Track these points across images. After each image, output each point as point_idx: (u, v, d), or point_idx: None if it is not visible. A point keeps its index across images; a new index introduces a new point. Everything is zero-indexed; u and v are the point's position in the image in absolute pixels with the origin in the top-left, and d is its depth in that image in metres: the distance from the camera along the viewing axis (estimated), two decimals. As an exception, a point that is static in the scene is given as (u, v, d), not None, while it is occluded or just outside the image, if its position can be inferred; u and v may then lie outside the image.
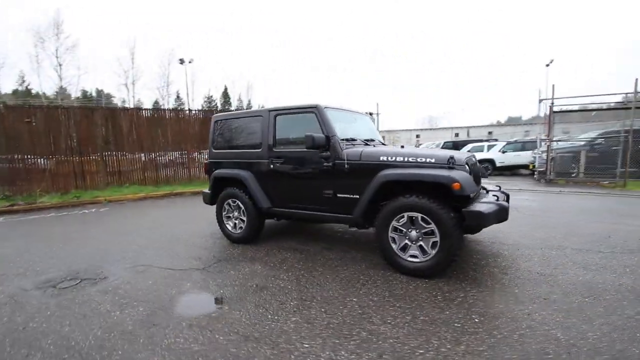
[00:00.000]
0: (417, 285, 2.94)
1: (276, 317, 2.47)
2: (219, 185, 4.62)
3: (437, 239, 2.95)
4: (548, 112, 10.85)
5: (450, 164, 3.08)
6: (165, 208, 7.68)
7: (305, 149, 3.96)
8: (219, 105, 52.83)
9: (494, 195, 3.49)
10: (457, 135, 42.37)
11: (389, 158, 3.35)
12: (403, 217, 3.11)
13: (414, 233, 3.10)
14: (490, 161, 14.60)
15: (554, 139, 10.86)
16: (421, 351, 2.01)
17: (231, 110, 11.53)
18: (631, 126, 9.38)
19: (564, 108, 11.17)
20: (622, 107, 10.28)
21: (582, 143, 11.13)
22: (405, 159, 3.27)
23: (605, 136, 10.91)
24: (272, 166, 4.07)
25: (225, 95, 53.03)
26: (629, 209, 6.13)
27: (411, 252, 3.13)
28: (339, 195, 3.63)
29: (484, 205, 3.02)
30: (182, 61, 35.10)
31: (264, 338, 2.20)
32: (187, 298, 2.90)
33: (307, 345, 2.11)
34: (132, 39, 73.99)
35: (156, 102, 44.68)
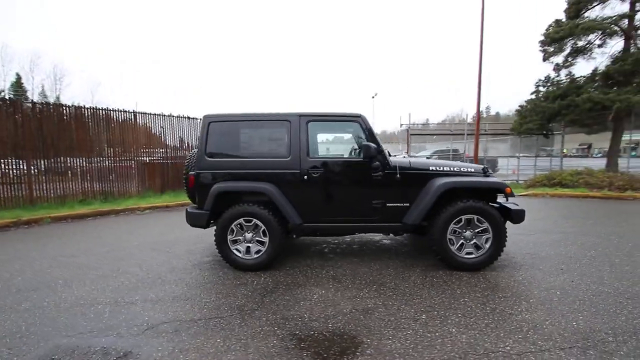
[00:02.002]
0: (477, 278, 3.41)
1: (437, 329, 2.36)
2: (220, 203, 3.68)
3: (490, 235, 3.51)
4: (406, 134, 13.97)
5: (485, 172, 3.74)
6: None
7: (351, 159, 3.82)
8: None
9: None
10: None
11: (437, 168, 3.71)
12: (460, 219, 3.52)
13: (468, 233, 3.56)
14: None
15: (411, 154, 14.01)
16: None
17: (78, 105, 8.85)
18: (451, 146, 13.31)
19: (414, 131, 14.63)
20: (448, 133, 14.48)
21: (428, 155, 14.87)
22: (451, 169, 3.72)
23: (438, 152, 14.96)
24: (306, 177, 3.65)
25: (19, 85, 38.67)
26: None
27: (467, 250, 3.57)
28: (388, 204, 3.68)
29: (517, 206, 3.78)
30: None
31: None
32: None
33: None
34: None
35: None
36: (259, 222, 3.61)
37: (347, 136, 3.81)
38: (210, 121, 3.78)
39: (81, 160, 8.94)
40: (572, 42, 12.66)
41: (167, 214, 7.85)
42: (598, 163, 14.35)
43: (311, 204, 3.70)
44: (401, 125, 14.44)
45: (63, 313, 2.77)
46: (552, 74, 13.78)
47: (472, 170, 3.76)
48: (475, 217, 3.50)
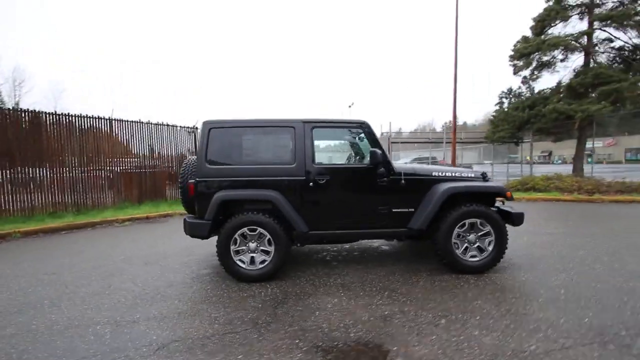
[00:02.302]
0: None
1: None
2: (222, 212, 3.54)
3: (493, 238, 3.61)
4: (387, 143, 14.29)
5: (485, 177, 3.87)
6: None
7: (357, 165, 3.81)
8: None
9: None
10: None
11: (440, 173, 3.78)
12: (464, 224, 3.60)
13: (472, 236, 3.63)
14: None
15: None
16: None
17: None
18: (430, 154, 13.76)
19: (395, 139, 15.00)
20: (427, 141, 14.97)
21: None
22: (453, 174, 3.80)
23: (417, 160, 15.39)
24: (312, 184, 3.59)
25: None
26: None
27: (471, 253, 3.64)
28: (393, 210, 3.69)
29: (512, 209, 3.91)
30: None
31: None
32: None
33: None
34: None
35: None
36: (264, 231, 3.50)
37: (352, 142, 3.81)
38: (211, 127, 3.65)
39: (50, 170, 8.35)
40: (538, 56, 13.59)
41: (149, 225, 7.47)
42: (559, 169, 15.31)
43: (317, 211, 3.64)
44: (382, 133, 14.77)
45: (57, 336, 2.52)
46: (514, 87, 14.77)
47: (472, 175, 3.87)
48: (479, 220, 3.59)
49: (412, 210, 3.70)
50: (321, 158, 3.77)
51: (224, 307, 2.99)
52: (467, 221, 3.58)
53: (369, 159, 3.66)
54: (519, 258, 4.19)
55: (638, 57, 11.93)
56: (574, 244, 4.77)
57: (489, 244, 3.63)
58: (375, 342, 2.36)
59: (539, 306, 2.82)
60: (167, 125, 10.95)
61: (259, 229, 3.50)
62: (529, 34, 14.29)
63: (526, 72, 14.73)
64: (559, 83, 13.63)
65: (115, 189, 9.60)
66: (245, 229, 3.50)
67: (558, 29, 13.09)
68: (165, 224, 7.67)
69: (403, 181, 3.66)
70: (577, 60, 13.54)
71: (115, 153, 9.73)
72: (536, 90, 14.36)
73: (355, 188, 3.69)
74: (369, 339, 2.41)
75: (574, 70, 13.32)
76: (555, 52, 13.05)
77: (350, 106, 39.81)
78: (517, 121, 12.86)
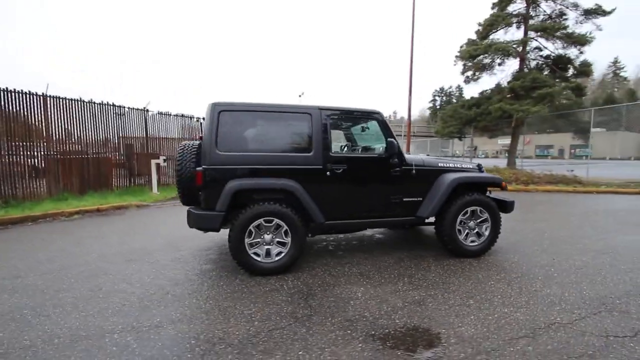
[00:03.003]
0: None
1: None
2: (236, 202, 3.29)
3: (490, 224, 3.95)
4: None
5: (480, 169, 4.19)
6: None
7: (372, 155, 3.83)
8: None
9: None
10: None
11: (445, 165, 3.99)
12: (467, 211, 3.87)
13: (472, 223, 3.93)
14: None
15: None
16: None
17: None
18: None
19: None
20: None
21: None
22: (455, 165, 4.04)
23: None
24: (328, 173, 3.52)
25: None
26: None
27: (471, 238, 3.94)
28: (404, 199, 3.81)
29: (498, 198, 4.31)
30: None
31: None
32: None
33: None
34: None
35: None
36: (280, 222, 3.35)
37: (365, 132, 3.81)
38: (221, 110, 3.34)
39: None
40: (480, 59, 14.99)
41: (103, 219, 6.62)
42: (489, 162, 17.25)
43: (333, 201, 3.59)
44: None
45: (68, 351, 2.13)
46: (445, 86, 16.26)
47: (470, 167, 4.17)
48: (479, 208, 3.89)
49: (421, 199, 3.86)
50: (337, 147, 3.70)
51: (252, 303, 2.81)
52: (469, 209, 3.86)
53: (383, 148, 3.72)
54: (498, 243, 4.64)
55: (560, 65, 13.91)
56: (538, 228, 5.45)
57: (486, 229, 3.96)
58: (423, 326, 2.45)
59: (542, 284, 3.18)
60: (113, 105, 9.71)
61: (276, 220, 3.34)
62: (473, 37, 15.69)
63: (469, 73, 16.19)
64: (498, 84, 15.26)
65: (52, 178, 8.29)
66: (261, 220, 3.31)
67: (498, 35, 14.57)
68: (122, 217, 6.87)
69: (414, 171, 3.79)
70: (512, 65, 15.28)
71: (52, 136, 8.36)
72: (477, 90, 15.94)
73: (370, 178, 3.72)
74: (415, 323, 2.48)
75: (512, 73, 15.01)
76: (495, 56, 14.52)
77: (300, 96, 39.60)
78: (464, 118, 14.12)
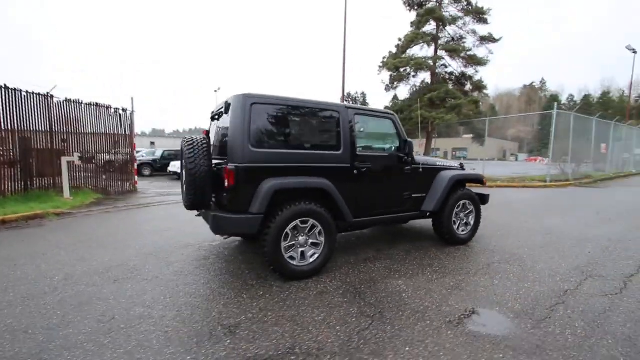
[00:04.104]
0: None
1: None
2: (274, 203, 3.04)
3: (474, 215, 4.55)
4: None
5: (462, 167, 4.78)
6: None
7: (392, 154, 3.99)
8: None
9: None
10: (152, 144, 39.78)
11: (441, 164, 4.43)
12: (459, 204, 4.38)
13: (462, 215, 4.46)
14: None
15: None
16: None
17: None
18: None
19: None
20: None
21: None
22: (446, 164, 4.53)
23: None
24: (356, 171, 3.55)
25: None
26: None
27: (461, 228, 4.47)
28: (413, 195, 4.10)
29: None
30: None
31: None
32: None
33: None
34: None
35: None
36: (316, 223, 3.23)
37: (382, 131, 3.95)
38: (254, 102, 3.04)
39: None
40: (401, 71, 16.80)
41: (17, 233, 5.17)
42: None
43: (359, 199, 3.63)
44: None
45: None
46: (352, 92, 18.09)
47: (457, 165, 4.73)
48: (467, 201, 4.45)
49: (424, 195, 4.21)
50: (363, 145, 3.74)
51: (314, 308, 2.67)
52: (462, 202, 4.39)
53: (395, 148, 3.93)
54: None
55: (462, 81, 16.65)
56: (496, 218, 6.39)
57: (472, 219, 4.56)
58: (480, 308, 2.71)
59: (532, 261, 3.83)
60: (2, 88, 7.58)
61: (311, 220, 3.21)
62: (391, 49, 17.47)
63: (387, 82, 17.97)
64: (413, 94, 17.32)
65: None
66: (297, 221, 3.13)
67: (415, 51, 16.58)
68: (45, 229, 5.48)
69: (421, 169, 4.11)
70: (423, 77, 17.55)
71: None
72: (390, 98, 17.86)
73: (389, 175, 3.88)
74: (472, 306, 2.73)
75: (420, 85, 17.23)
76: (413, 69, 16.49)
77: (216, 91, 37.42)
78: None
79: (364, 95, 70.91)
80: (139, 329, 2.33)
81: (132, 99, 10.86)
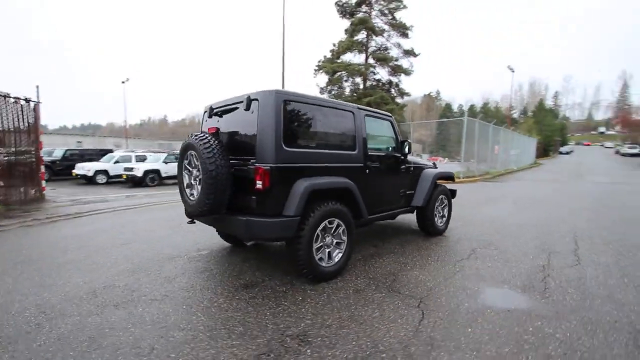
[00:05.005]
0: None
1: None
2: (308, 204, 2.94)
3: (448, 208, 5.11)
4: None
5: (435, 165, 5.32)
6: None
7: (393, 153, 4.19)
8: None
9: None
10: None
11: (423, 163, 4.85)
12: (439, 198, 4.87)
13: (439, 208, 4.97)
14: (157, 172, 14.60)
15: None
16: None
17: None
18: None
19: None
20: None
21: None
22: (426, 164, 4.98)
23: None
24: (367, 170, 3.66)
25: None
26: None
27: (439, 220, 4.97)
28: (407, 192, 4.41)
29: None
30: None
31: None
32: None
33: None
34: None
35: None
36: (340, 222, 3.25)
37: (383, 133, 4.12)
38: (286, 99, 2.89)
39: None
40: (335, 75, 17.52)
41: None
42: None
43: (369, 197, 3.74)
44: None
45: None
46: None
47: (431, 164, 5.23)
48: (444, 196, 4.98)
49: (413, 192, 4.57)
50: (371, 145, 3.85)
51: (364, 306, 2.69)
52: (440, 196, 4.89)
53: (393, 148, 4.18)
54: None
55: (387, 87, 18.21)
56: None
57: (446, 212, 5.11)
58: (497, 286, 3.13)
59: (503, 245, 4.48)
60: None
61: (336, 220, 3.21)
62: (325, 53, 18.09)
63: (322, 85, 18.58)
64: (346, 98, 18.21)
65: None
66: (326, 222, 3.10)
67: (348, 57, 17.49)
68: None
69: (412, 168, 4.45)
70: (355, 82, 18.62)
71: None
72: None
73: (390, 174, 4.09)
74: (491, 287, 3.12)
75: (354, 89, 18.26)
76: (348, 74, 17.37)
77: (123, 82, 33.12)
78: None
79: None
80: (200, 356, 2.02)
81: (37, 87, 8.88)
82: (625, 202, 8.35)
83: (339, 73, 16.89)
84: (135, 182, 14.13)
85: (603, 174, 18.90)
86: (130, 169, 14.25)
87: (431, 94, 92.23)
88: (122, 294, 2.89)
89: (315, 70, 17.65)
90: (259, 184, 2.76)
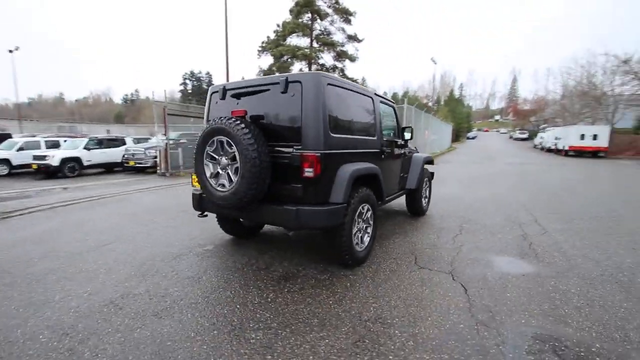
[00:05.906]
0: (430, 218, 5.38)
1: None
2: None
3: (429, 189, 5.55)
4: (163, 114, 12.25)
5: (417, 150, 5.68)
6: None
7: (398, 139, 4.34)
8: None
9: None
10: None
11: (413, 148, 5.14)
12: (424, 181, 5.26)
13: (424, 190, 5.37)
14: (77, 160, 12.50)
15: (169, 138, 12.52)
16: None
17: None
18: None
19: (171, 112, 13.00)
20: (197, 116, 14.23)
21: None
22: (412, 148, 5.30)
23: (186, 136, 14.35)
24: (383, 156, 3.76)
25: None
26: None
27: (424, 200, 5.37)
28: (404, 175, 4.66)
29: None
30: None
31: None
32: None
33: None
34: None
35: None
36: (369, 207, 3.32)
37: (389, 119, 4.22)
38: (329, 83, 2.77)
39: None
40: (281, 58, 17.01)
41: None
42: None
43: (385, 181, 3.86)
44: (153, 102, 12.25)
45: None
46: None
47: (415, 148, 5.56)
48: (427, 179, 5.39)
49: (407, 175, 4.84)
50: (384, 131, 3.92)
51: (410, 285, 2.84)
52: (425, 179, 5.28)
53: (394, 133, 4.35)
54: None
55: (332, 73, 18.43)
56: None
57: (428, 193, 5.55)
58: (500, 255, 3.58)
59: (481, 219, 5.09)
60: None
61: (367, 205, 3.27)
62: (269, 34, 17.40)
63: (264, 67, 17.90)
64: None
65: None
66: (361, 207, 3.14)
67: (293, 40, 17.09)
68: None
69: (407, 153, 4.69)
70: (299, 66, 18.37)
71: None
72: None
73: (395, 158, 4.25)
74: (498, 256, 3.56)
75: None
76: (293, 57, 17.01)
77: (11, 51, 27.11)
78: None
79: (209, 75, 65.90)
80: (296, 352, 1.92)
81: None
82: (540, 179, 10.09)
83: (285, 57, 16.45)
84: (49, 173, 11.90)
85: (511, 155, 22.35)
86: (43, 157, 11.89)
87: (357, 81, 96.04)
88: (151, 301, 2.53)
89: (259, 51, 16.87)
90: (308, 172, 2.64)
